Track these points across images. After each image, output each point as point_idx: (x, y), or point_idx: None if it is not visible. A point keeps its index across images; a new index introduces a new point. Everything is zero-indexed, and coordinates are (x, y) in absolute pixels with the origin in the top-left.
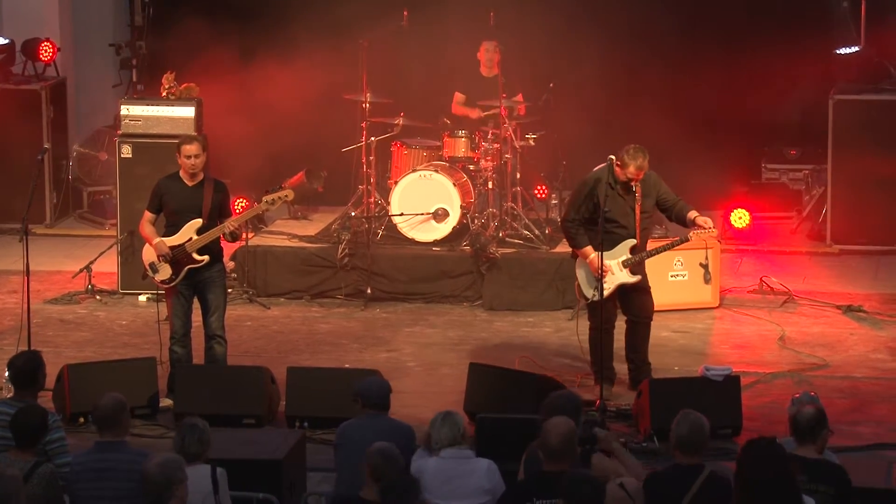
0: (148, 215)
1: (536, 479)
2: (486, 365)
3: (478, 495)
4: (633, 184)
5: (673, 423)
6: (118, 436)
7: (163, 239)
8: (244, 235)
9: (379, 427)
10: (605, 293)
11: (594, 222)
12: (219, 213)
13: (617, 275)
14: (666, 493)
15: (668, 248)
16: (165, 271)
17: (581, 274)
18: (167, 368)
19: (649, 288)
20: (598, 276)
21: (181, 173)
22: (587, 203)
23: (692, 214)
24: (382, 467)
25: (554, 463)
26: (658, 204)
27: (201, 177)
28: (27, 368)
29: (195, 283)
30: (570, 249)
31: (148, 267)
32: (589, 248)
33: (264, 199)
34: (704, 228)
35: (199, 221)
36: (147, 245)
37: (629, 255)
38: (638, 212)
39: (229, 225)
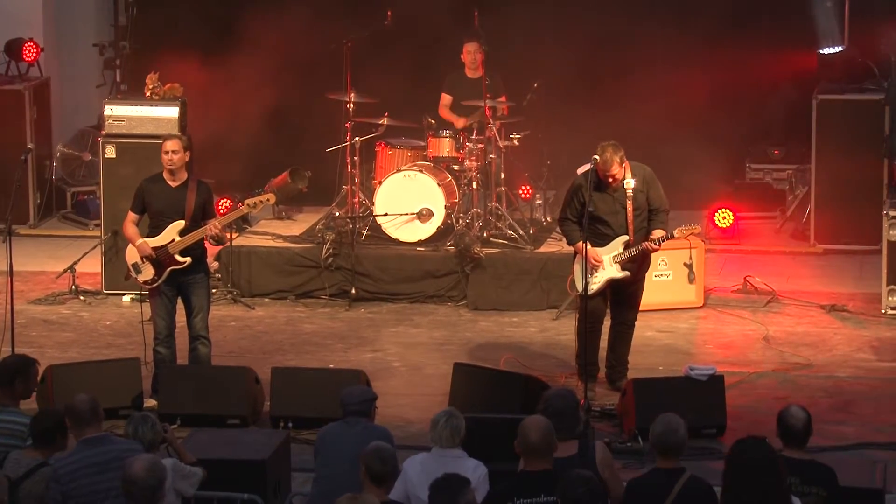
0: (131, 216)
1: (517, 478)
2: (470, 365)
3: None
4: (611, 179)
5: (650, 427)
6: (98, 430)
7: (146, 240)
8: (228, 236)
9: (356, 431)
10: (596, 287)
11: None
12: (202, 214)
13: (607, 269)
14: (647, 498)
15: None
16: (148, 272)
17: (577, 268)
18: (151, 369)
19: (641, 289)
20: (585, 272)
21: (164, 174)
22: (573, 204)
23: (655, 234)
24: (377, 467)
25: (534, 462)
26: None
27: (185, 177)
28: (4, 372)
29: (178, 284)
30: (553, 249)
31: (131, 267)
32: (581, 243)
33: (246, 202)
34: (679, 231)
35: (181, 223)
36: (130, 245)
37: (620, 251)
38: (630, 209)
39: (212, 228)
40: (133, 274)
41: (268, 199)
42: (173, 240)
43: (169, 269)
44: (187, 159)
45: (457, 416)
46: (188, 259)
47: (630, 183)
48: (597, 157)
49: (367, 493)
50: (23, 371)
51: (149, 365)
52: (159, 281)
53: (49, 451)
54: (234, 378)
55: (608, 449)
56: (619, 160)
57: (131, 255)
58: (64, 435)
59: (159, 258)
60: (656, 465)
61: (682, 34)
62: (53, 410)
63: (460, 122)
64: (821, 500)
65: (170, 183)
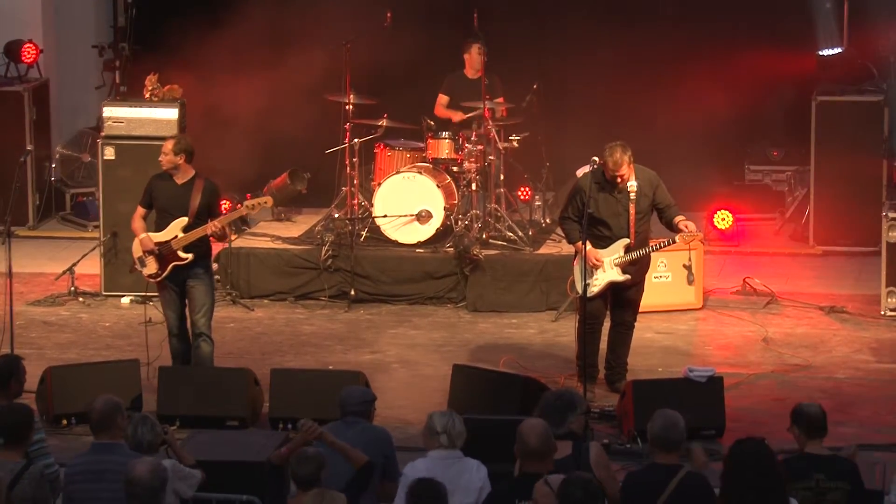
0: (140, 210)
1: (519, 480)
2: (469, 366)
3: (469, 493)
4: (619, 179)
5: (649, 421)
6: (114, 437)
7: (149, 234)
8: (231, 235)
9: (355, 432)
10: (596, 290)
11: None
12: (208, 213)
13: (608, 272)
14: (643, 492)
15: (657, 249)
16: (151, 266)
17: (577, 269)
18: (150, 371)
19: (641, 290)
20: (584, 274)
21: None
22: (574, 204)
23: (677, 219)
24: (295, 469)
25: (534, 464)
26: (654, 205)
27: (190, 175)
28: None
29: (182, 280)
30: (552, 251)
31: (136, 260)
32: (581, 244)
33: (245, 203)
34: (687, 232)
35: (184, 220)
36: (136, 238)
37: (621, 254)
38: (632, 212)
39: (212, 226)
40: (139, 267)
41: (265, 202)
42: (176, 236)
43: (171, 265)
44: (180, 161)
45: (457, 418)
46: (190, 255)
47: (633, 186)
48: (596, 158)
49: (298, 498)
50: (15, 371)
51: (149, 365)
52: (163, 275)
53: (15, 448)
54: (234, 379)
55: (604, 450)
56: (628, 160)
57: (137, 248)
58: (22, 434)
59: (162, 253)
60: (654, 459)
61: (681, 35)
62: (21, 406)
63: (457, 117)
64: (845, 494)
65: (176, 180)
